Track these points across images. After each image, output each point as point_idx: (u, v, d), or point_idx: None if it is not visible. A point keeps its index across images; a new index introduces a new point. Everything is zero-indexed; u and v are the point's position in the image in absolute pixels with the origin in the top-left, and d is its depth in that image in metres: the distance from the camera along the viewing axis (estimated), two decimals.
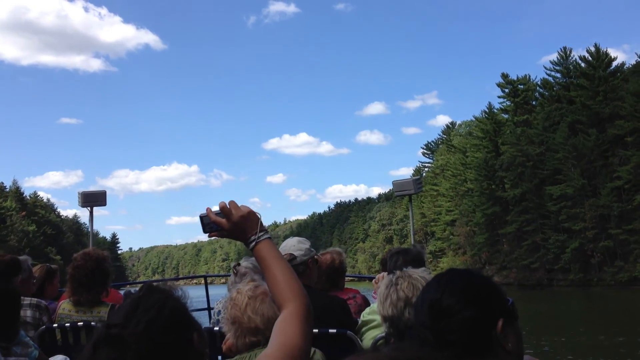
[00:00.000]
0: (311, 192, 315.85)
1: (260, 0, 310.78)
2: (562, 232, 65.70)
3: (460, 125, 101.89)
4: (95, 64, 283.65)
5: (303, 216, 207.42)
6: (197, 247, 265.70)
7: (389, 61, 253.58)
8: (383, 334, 2.70)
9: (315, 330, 2.83)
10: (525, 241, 70.46)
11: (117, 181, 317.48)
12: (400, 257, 3.54)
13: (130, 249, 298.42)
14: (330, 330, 3.12)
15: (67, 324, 3.69)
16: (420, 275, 2.37)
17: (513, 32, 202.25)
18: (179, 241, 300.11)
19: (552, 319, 32.57)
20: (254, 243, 1.77)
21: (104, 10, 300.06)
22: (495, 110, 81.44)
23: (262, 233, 1.80)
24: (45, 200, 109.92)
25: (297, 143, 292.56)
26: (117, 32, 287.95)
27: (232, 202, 1.82)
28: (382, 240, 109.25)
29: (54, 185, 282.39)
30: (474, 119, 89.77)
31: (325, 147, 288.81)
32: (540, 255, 67.94)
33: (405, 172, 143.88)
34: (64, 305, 3.86)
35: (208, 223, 1.81)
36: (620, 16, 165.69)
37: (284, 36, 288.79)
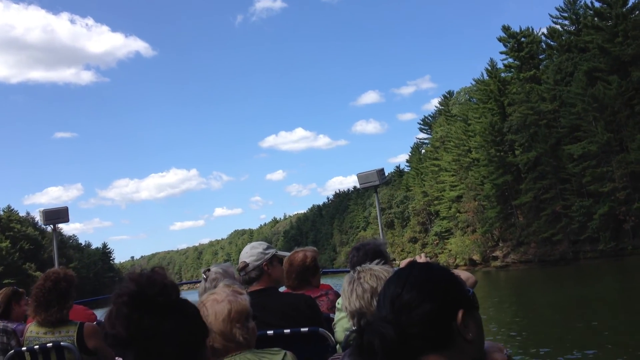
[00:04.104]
0: (312, 186, 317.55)
1: None
2: (586, 196, 59.10)
3: (459, 92, 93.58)
4: (87, 76, 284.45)
5: (304, 211, 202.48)
6: (198, 251, 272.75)
7: (380, 49, 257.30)
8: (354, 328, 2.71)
9: (287, 331, 3.12)
10: (544, 211, 64.04)
11: (118, 191, 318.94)
12: (359, 252, 3.64)
13: (132, 257, 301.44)
14: (302, 330, 3.17)
15: (37, 346, 3.70)
16: (381, 268, 2.44)
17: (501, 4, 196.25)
18: (182, 246, 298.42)
19: (587, 303, 24.95)
20: None
21: (90, 21, 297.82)
22: (498, 69, 73.87)
23: None
24: (24, 214, 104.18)
25: (293, 139, 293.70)
26: (106, 41, 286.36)
27: None
28: (383, 225, 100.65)
29: (54, 200, 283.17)
30: (473, 83, 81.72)
31: (323, 140, 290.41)
32: (563, 226, 61.50)
33: (404, 158, 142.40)
34: (32, 328, 3.85)
35: None
36: None
37: (272, 32, 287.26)
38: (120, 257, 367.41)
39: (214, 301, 2.40)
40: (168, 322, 1.45)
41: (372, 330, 1.35)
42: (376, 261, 2.65)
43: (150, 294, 1.45)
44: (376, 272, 2.40)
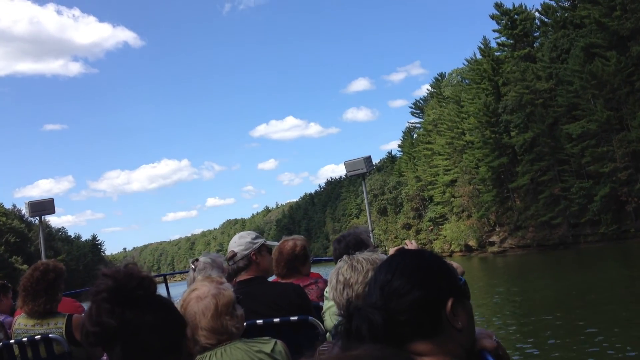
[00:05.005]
0: (304, 175, 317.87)
1: None
2: (586, 177, 57.36)
3: (450, 74, 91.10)
4: (75, 68, 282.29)
5: (296, 199, 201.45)
6: (191, 241, 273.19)
7: (369, 36, 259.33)
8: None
9: (277, 320, 3.10)
10: (542, 194, 62.37)
11: (109, 183, 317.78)
12: (340, 244, 3.69)
13: (124, 249, 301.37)
14: (292, 318, 3.18)
15: (25, 339, 3.70)
16: (364, 257, 2.42)
17: None
18: (175, 237, 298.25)
19: (589, 289, 23.35)
20: None
21: (77, 12, 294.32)
22: (491, 47, 71.95)
23: None
24: (10, 207, 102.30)
25: (284, 127, 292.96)
26: (93, 32, 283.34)
27: None
28: (375, 212, 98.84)
29: (46, 193, 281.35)
30: (466, 64, 79.49)
31: (314, 129, 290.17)
32: (562, 209, 59.68)
33: (396, 145, 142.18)
34: (19, 320, 3.84)
35: None
36: None
37: (261, 21, 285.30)
38: (112, 248, 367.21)
39: (197, 299, 2.37)
40: (149, 314, 1.47)
41: (361, 316, 1.36)
42: (366, 251, 2.57)
43: (129, 288, 1.47)
44: (355, 263, 2.37)
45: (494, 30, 70.92)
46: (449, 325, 1.41)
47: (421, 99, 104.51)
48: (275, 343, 2.44)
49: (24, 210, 9.29)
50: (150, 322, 1.46)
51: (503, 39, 70.58)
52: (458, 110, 76.76)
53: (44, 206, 8.77)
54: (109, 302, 1.43)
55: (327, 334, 3.13)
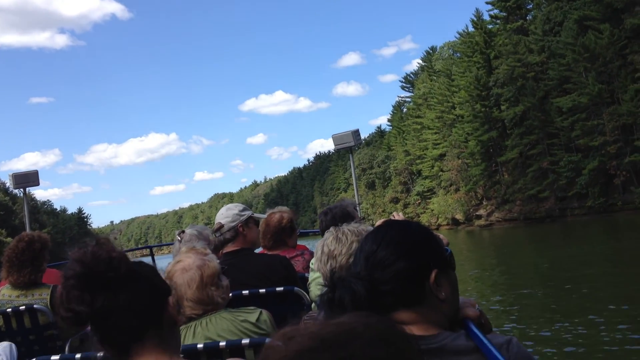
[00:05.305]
0: (293, 150, 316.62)
1: None
2: (575, 151, 57.21)
3: (442, 47, 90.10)
4: (61, 40, 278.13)
5: (285, 174, 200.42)
6: (179, 215, 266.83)
7: (360, 10, 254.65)
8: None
9: (262, 291, 3.12)
10: (530, 167, 62.24)
11: (96, 156, 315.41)
12: (326, 216, 3.72)
13: (112, 222, 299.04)
14: (278, 289, 3.20)
15: (9, 309, 3.67)
16: (349, 229, 2.39)
17: None
18: (163, 211, 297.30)
19: (576, 263, 22.30)
20: None
21: None
22: (484, 20, 70.96)
23: None
24: None
25: (274, 102, 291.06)
26: (80, 4, 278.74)
27: None
28: (363, 186, 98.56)
29: (32, 166, 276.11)
30: (457, 37, 78.66)
31: (303, 103, 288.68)
32: (550, 182, 59.75)
33: (385, 120, 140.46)
34: (4, 291, 3.82)
35: None
36: None
37: None
38: (100, 222, 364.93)
39: (182, 270, 2.37)
40: (121, 295, 1.43)
41: (344, 287, 1.37)
42: (352, 222, 2.52)
43: (98, 271, 1.42)
44: (340, 234, 2.34)
45: (487, 2, 70.17)
46: (432, 295, 1.43)
47: (412, 73, 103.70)
48: (261, 313, 2.46)
49: (8, 183, 9.72)
50: (123, 303, 1.42)
51: (496, 11, 69.70)
52: (449, 84, 75.96)
53: (28, 178, 8.70)
54: (78, 289, 1.40)
55: (313, 305, 3.16)
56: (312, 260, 3.32)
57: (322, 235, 2.61)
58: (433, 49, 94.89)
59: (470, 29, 73.00)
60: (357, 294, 1.35)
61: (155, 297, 1.49)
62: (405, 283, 1.42)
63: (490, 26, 70.46)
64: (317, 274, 3.04)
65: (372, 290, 1.38)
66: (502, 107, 65.49)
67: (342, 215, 3.58)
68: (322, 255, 2.34)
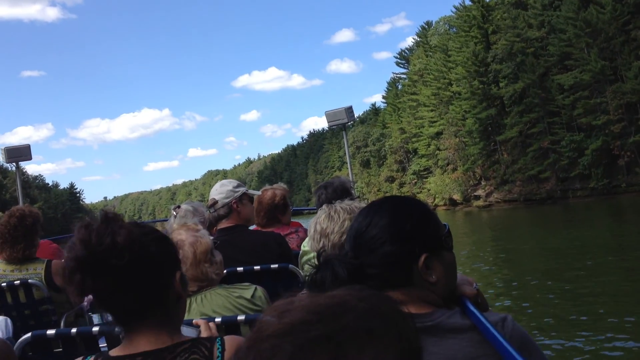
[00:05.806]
0: (287, 127, 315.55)
1: None
2: (577, 130, 55.85)
3: (438, 22, 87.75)
4: (52, 13, 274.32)
5: (279, 151, 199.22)
6: (172, 191, 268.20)
7: None
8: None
9: (257, 268, 3.15)
10: (531, 147, 60.79)
11: (89, 131, 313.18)
12: (327, 190, 3.60)
13: (105, 198, 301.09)
14: (272, 266, 3.20)
15: (4, 284, 3.68)
16: (342, 206, 2.35)
17: None
18: (156, 187, 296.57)
19: (579, 246, 21.61)
20: None
21: None
22: None
23: None
24: None
25: (267, 78, 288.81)
26: None
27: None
28: (358, 165, 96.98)
29: (25, 140, 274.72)
30: (454, 11, 76.49)
31: (297, 80, 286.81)
32: (551, 162, 58.48)
33: (379, 97, 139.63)
34: None
35: None
36: None
37: None
38: (93, 197, 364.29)
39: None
40: (124, 279, 1.41)
41: (327, 268, 1.39)
42: (347, 199, 2.48)
43: (100, 258, 1.39)
44: (332, 212, 2.31)
45: None
46: (421, 279, 1.41)
47: (407, 49, 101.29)
48: (256, 289, 2.46)
49: (0, 157, 8.93)
50: (125, 285, 1.39)
51: None
52: (445, 60, 73.85)
53: (21, 152, 8.64)
54: (80, 272, 1.37)
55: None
56: (305, 240, 3.19)
57: (320, 207, 2.48)
58: (428, 23, 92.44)
59: (467, 2, 70.81)
60: (338, 276, 1.34)
61: (160, 279, 1.45)
62: (392, 267, 1.39)
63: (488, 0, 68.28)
64: (312, 254, 2.94)
65: (356, 273, 1.36)
66: (501, 84, 63.81)
67: (343, 190, 3.49)
68: (314, 233, 2.30)
